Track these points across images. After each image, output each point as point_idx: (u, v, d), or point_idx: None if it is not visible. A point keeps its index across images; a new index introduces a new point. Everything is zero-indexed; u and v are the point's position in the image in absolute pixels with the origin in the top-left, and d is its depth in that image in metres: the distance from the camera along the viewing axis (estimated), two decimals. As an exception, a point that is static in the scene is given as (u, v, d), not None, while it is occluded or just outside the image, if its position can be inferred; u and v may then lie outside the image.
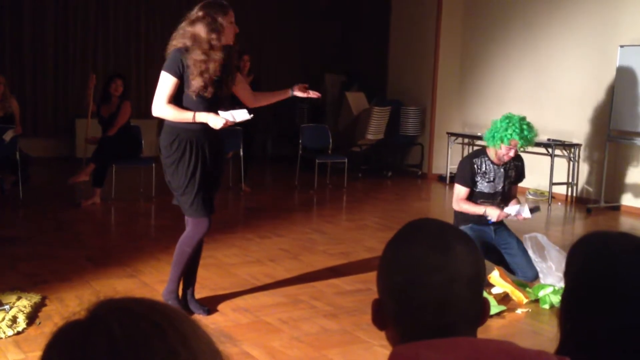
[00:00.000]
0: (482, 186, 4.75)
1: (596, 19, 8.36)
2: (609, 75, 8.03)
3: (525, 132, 4.57)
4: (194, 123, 3.77)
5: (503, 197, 4.87)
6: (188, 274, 4.11)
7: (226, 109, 3.90)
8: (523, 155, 4.95)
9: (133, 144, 7.62)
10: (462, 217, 4.81)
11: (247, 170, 8.52)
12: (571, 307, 1.29)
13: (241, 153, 8.35)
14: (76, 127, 10.34)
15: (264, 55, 11.69)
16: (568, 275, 1.33)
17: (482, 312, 1.22)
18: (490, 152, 4.76)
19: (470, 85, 10.28)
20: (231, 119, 3.82)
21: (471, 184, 4.75)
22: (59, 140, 10.70)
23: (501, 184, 4.79)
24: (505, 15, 9.61)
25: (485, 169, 4.76)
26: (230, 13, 3.81)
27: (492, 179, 4.76)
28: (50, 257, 5.14)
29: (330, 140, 9.29)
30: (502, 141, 4.59)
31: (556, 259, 4.65)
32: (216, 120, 3.76)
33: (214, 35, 3.73)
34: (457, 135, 9.98)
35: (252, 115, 3.92)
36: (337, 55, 12.24)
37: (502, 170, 4.78)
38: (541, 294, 4.45)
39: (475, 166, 4.75)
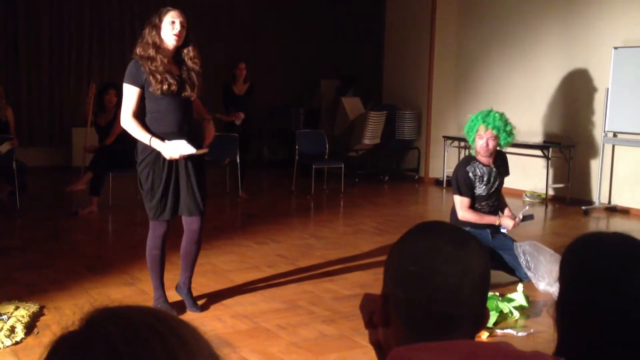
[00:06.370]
0: (481, 190, 4.91)
1: (590, 21, 8.40)
2: (604, 77, 8.06)
3: (488, 117, 4.82)
4: (164, 133, 3.88)
5: (497, 197, 5.02)
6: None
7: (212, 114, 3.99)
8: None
9: (130, 152, 7.59)
10: (458, 221, 4.84)
11: (244, 177, 8.52)
12: (567, 309, 1.30)
13: (237, 159, 8.36)
14: (73, 136, 10.35)
15: (259, 63, 11.69)
16: (563, 277, 1.34)
17: (483, 316, 1.23)
18: (478, 155, 4.92)
19: (466, 89, 10.30)
20: (185, 152, 3.88)
21: (471, 193, 4.87)
22: (55, 149, 10.70)
23: (496, 183, 4.94)
24: (500, 18, 9.64)
25: (480, 172, 4.90)
26: (169, 14, 3.90)
27: (488, 180, 4.91)
28: (47, 266, 5.14)
29: (327, 146, 9.30)
30: (476, 132, 4.85)
31: (549, 263, 4.68)
32: (171, 152, 3.85)
33: (151, 36, 3.88)
34: (454, 138, 9.99)
35: (202, 151, 3.97)
36: (332, 60, 12.26)
37: (493, 169, 4.94)
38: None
39: (471, 174, 4.88)
